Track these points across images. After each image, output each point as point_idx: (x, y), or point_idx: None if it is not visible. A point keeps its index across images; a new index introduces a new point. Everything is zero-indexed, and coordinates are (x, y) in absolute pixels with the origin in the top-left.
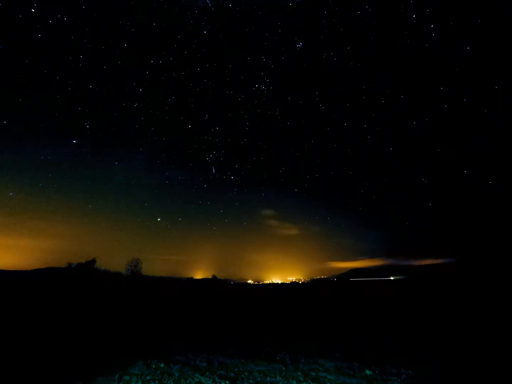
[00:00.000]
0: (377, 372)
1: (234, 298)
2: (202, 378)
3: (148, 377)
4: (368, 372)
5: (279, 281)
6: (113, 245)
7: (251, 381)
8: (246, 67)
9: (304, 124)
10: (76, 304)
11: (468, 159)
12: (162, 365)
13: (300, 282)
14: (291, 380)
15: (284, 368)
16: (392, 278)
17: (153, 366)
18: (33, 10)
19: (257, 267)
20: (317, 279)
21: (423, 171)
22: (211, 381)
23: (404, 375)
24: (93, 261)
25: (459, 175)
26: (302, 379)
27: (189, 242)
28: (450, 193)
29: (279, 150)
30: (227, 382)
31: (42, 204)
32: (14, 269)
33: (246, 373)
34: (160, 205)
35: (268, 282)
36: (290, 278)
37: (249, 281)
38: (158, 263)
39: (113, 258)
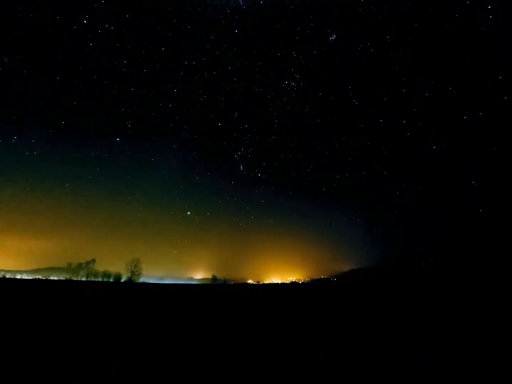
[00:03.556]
0: None
1: (234, 298)
2: None
3: None
4: None
5: (279, 281)
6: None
7: None
8: (276, 63)
9: (336, 121)
10: (75, 304)
11: None
12: None
13: (300, 282)
14: None
15: None
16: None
17: None
18: (85, 22)
19: (258, 267)
20: (318, 279)
21: (473, 173)
22: None
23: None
24: (93, 261)
25: None
26: None
27: (212, 237)
28: (505, 198)
29: (308, 148)
30: None
31: (86, 196)
32: (14, 269)
33: None
34: (190, 200)
35: (268, 282)
36: (290, 278)
37: (249, 281)
38: (158, 263)
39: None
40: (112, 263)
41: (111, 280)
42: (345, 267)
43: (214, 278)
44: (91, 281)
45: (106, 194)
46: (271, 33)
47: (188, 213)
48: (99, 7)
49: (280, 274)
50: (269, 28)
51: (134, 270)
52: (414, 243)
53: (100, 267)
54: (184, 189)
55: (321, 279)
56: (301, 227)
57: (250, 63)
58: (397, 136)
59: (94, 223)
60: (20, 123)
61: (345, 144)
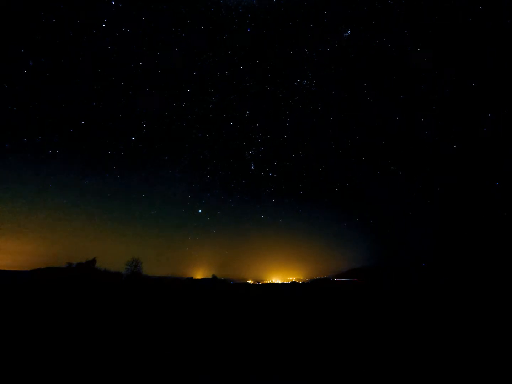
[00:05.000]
0: None
1: (234, 298)
2: None
3: None
4: None
5: (279, 281)
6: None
7: None
8: (289, 62)
9: (349, 120)
10: (76, 304)
11: None
12: None
13: (300, 282)
14: None
15: None
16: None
17: None
18: (103, 25)
19: (258, 267)
20: (317, 279)
21: (496, 174)
22: None
23: None
24: (93, 261)
25: None
26: None
27: (221, 235)
28: None
29: (320, 148)
30: None
31: (101, 194)
32: (14, 269)
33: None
34: (202, 198)
35: (268, 282)
36: (290, 278)
37: (249, 281)
38: (158, 263)
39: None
40: (114, 261)
41: None
42: (345, 267)
43: (214, 278)
44: (91, 280)
45: (120, 191)
46: (284, 31)
47: (199, 211)
48: (116, 11)
49: (280, 274)
50: (281, 25)
51: (134, 270)
52: (414, 243)
53: (101, 266)
54: (195, 187)
55: (321, 279)
56: (308, 227)
57: (262, 62)
58: (414, 136)
59: (108, 220)
60: (43, 123)
61: (359, 143)
